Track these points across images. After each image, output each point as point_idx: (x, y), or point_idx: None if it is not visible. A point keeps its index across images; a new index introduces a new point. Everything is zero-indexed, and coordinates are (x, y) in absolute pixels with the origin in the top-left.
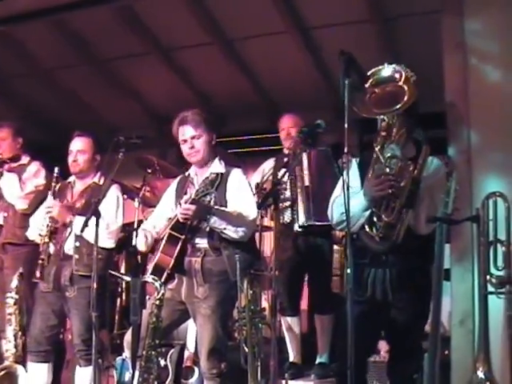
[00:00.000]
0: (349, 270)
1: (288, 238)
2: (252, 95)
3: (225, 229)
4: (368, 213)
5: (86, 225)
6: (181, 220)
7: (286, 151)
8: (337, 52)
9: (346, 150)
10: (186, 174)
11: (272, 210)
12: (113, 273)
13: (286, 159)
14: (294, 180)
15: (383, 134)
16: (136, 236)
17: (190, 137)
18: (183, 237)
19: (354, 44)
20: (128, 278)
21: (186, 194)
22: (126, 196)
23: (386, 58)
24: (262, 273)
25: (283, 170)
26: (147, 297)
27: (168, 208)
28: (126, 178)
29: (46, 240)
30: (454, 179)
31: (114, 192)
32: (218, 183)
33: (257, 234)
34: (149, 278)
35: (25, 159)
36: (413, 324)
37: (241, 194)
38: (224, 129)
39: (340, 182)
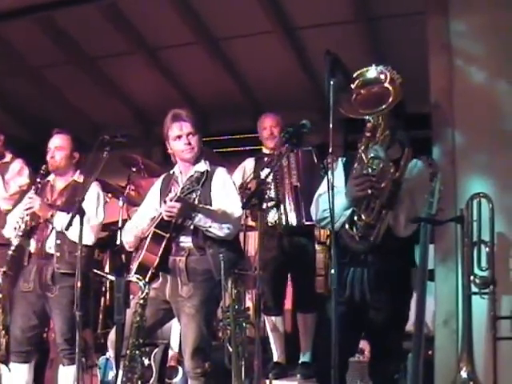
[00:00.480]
0: (333, 271)
1: (272, 237)
2: (237, 95)
3: (210, 227)
4: (349, 212)
5: (70, 224)
6: (165, 218)
7: (265, 151)
8: (322, 52)
9: (330, 150)
10: (171, 172)
11: (256, 210)
12: (97, 272)
13: (267, 159)
14: (279, 180)
15: (368, 134)
16: (120, 235)
17: (187, 133)
18: (168, 235)
19: (339, 44)
20: (112, 278)
21: (170, 192)
22: (110, 195)
23: (371, 59)
24: (246, 272)
25: (267, 170)
26: (131, 296)
27: (152, 208)
28: (110, 176)
29: (20, 233)
30: (438, 180)
31: (95, 189)
32: (203, 181)
33: (241, 234)
34: (133, 277)
35: (7, 157)
36: (391, 324)
37: (226, 192)
38: (208, 128)
39: (325, 181)
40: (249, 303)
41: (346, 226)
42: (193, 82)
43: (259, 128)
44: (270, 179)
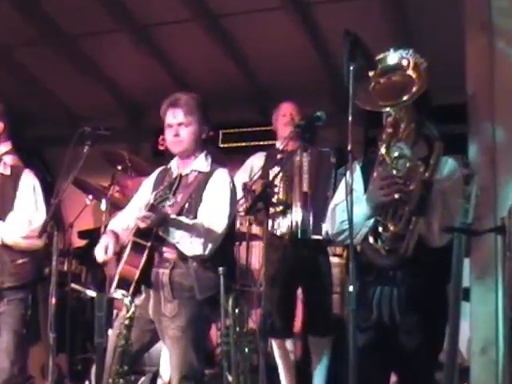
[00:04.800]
0: (351, 288)
1: (279, 248)
2: (239, 81)
3: (178, 243)
4: (371, 222)
5: None
6: (141, 226)
7: (279, 145)
8: (339, 32)
9: (349, 148)
10: (168, 165)
11: (261, 216)
12: (75, 287)
13: (279, 156)
14: (289, 182)
15: (389, 130)
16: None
17: (178, 123)
18: (149, 244)
19: (359, 23)
20: (92, 294)
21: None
22: (91, 197)
23: (397, 41)
24: (249, 288)
25: (276, 169)
26: (114, 315)
27: (143, 203)
28: (91, 175)
29: None
30: (475, 183)
31: (28, 179)
32: (200, 183)
33: (243, 244)
34: (117, 293)
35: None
36: (424, 352)
37: (215, 200)
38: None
39: (341, 187)
40: (252, 324)
41: (370, 239)
42: (188, 66)
43: (276, 116)
44: (278, 180)
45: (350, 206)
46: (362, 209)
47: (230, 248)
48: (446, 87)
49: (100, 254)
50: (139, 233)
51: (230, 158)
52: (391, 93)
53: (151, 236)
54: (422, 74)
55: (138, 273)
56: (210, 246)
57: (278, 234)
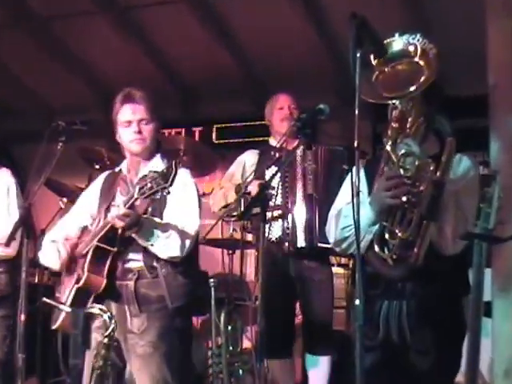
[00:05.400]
0: (357, 301)
1: (276, 258)
2: (233, 71)
3: (152, 245)
4: (377, 228)
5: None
6: (117, 226)
7: (273, 143)
8: (344, 15)
9: (355, 144)
10: (117, 169)
11: (258, 222)
12: (47, 301)
13: (277, 154)
14: (288, 184)
15: (395, 125)
16: (43, 251)
17: (139, 119)
18: (115, 249)
19: (368, 4)
20: (67, 309)
21: (115, 195)
22: (65, 200)
23: (407, 25)
24: (243, 303)
25: (273, 169)
26: (92, 333)
27: (85, 214)
28: (66, 175)
29: None
30: (497, 184)
31: (2, 179)
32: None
33: (237, 252)
34: (94, 308)
35: None
36: (437, 373)
37: (183, 201)
38: (196, 114)
39: (343, 189)
40: (247, 343)
41: (376, 248)
42: (175, 54)
43: (271, 109)
44: (276, 181)
45: (357, 210)
46: (365, 213)
47: (196, 253)
48: (465, 77)
49: (54, 260)
50: (104, 237)
51: (224, 156)
52: (397, 83)
53: (116, 240)
54: (431, 62)
55: (104, 281)
56: (186, 246)
57: (275, 241)
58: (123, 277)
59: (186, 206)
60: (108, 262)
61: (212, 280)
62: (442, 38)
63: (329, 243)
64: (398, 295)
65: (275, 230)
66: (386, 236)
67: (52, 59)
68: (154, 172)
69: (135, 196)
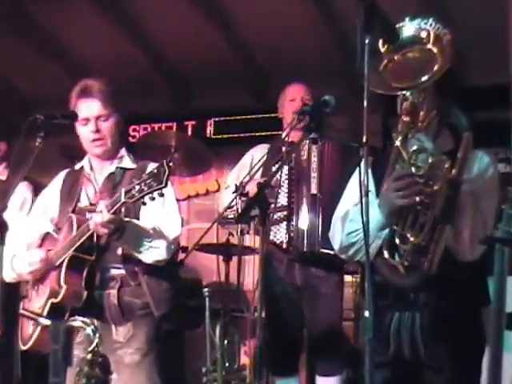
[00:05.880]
0: (367, 313)
1: (281, 264)
2: (230, 58)
3: (140, 252)
4: (386, 233)
5: None
6: (100, 233)
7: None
8: None
9: (364, 139)
10: (77, 166)
11: (258, 225)
12: (24, 313)
13: (284, 149)
14: (295, 182)
15: (405, 119)
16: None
17: (96, 116)
18: (93, 258)
19: None
20: (46, 322)
21: (79, 196)
22: None
23: (422, 8)
24: (241, 314)
25: (277, 166)
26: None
27: (45, 219)
28: (45, 174)
29: None
30: None
31: (22, 191)
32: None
33: (234, 259)
34: (77, 320)
35: None
36: None
37: (161, 201)
38: (189, 105)
39: (349, 189)
40: (245, 359)
41: (385, 254)
42: (165, 38)
43: (282, 101)
44: (283, 179)
45: (366, 211)
46: (374, 216)
47: (175, 256)
48: (485, 65)
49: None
50: (80, 245)
51: (222, 153)
52: (407, 72)
53: (94, 248)
54: (445, 49)
55: (85, 293)
56: (172, 248)
57: (280, 245)
58: (104, 286)
59: (165, 205)
60: (85, 272)
61: (206, 289)
62: (461, 24)
63: (332, 249)
64: (410, 306)
65: (280, 234)
66: (397, 241)
67: (30, 47)
68: (144, 174)
69: (122, 200)
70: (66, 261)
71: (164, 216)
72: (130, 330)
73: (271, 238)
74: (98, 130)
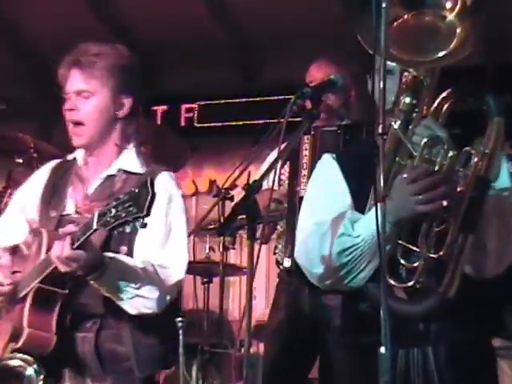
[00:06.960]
0: (383, 349)
1: (288, 286)
2: (212, 28)
3: (117, 298)
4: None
5: None
6: (62, 270)
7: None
8: None
9: (380, 130)
10: (70, 157)
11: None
12: None
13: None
14: (290, 183)
15: (407, 99)
16: None
17: (76, 91)
18: (66, 291)
19: None
20: None
21: (65, 199)
22: None
23: None
24: (224, 350)
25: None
26: None
27: (19, 226)
28: None
29: None
30: None
31: None
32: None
33: (215, 281)
34: (14, 359)
35: None
36: None
37: (166, 226)
38: (159, 89)
39: (322, 192)
40: None
41: (386, 276)
42: (130, 7)
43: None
44: (283, 177)
45: (382, 223)
46: (371, 227)
47: (177, 303)
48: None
49: None
50: (48, 275)
51: (200, 145)
52: (418, 40)
53: (67, 280)
54: (472, 23)
55: (54, 339)
56: (166, 299)
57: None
58: (79, 327)
59: (171, 234)
60: (56, 310)
61: (180, 319)
62: None
63: None
64: (420, 340)
65: (278, 248)
66: (399, 258)
67: None
68: (123, 194)
69: (93, 227)
70: (30, 294)
71: (166, 250)
72: None
73: (276, 257)
74: (72, 109)
